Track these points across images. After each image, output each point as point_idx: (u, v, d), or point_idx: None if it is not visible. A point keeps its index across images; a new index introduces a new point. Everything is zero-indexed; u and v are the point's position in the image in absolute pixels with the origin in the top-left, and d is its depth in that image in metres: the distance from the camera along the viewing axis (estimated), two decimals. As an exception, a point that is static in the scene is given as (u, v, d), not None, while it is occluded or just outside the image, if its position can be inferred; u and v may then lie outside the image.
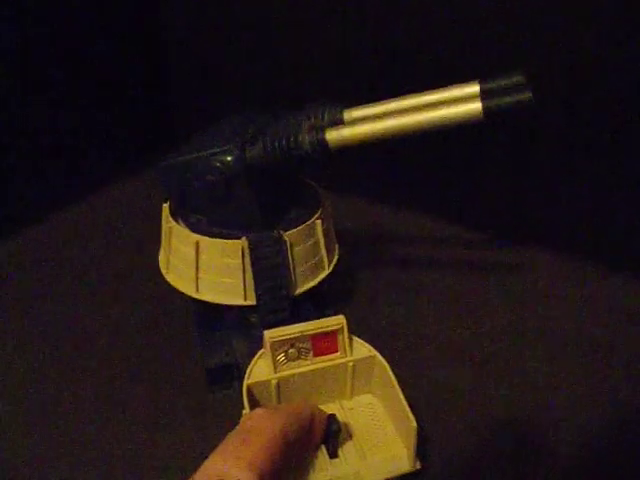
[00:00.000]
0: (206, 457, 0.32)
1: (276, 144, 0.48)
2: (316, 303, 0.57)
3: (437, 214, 0.79)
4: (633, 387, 0.54)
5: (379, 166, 0.80)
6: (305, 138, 0.47)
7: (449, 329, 0.61)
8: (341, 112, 0.50)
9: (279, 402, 0.45)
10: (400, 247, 0.75)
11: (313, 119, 0.50)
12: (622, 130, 0.64)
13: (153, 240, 0.58)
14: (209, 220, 0.52)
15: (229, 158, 0.49)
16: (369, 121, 0.46)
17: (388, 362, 0.45)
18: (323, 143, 0.46)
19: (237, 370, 0.53)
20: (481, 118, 0.43)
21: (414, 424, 0.41)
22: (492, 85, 0.47)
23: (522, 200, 0.74)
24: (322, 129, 0.47)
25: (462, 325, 0.62)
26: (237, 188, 0.49)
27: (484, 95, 0.43)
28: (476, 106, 0.43)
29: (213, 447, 0.33)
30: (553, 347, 0.59)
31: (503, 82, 0.47)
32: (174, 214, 0.54)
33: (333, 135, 0.46)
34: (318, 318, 0.53)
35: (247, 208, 0.50)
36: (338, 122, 0.49)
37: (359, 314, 0.62)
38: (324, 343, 0.45)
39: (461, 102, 0.43)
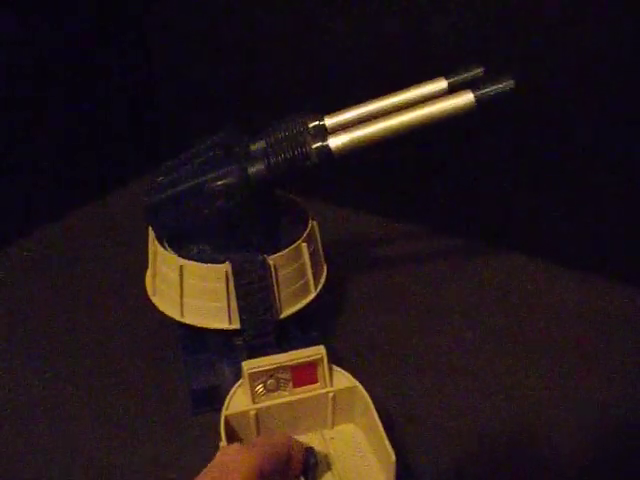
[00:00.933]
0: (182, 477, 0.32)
1: (280, 158, 0.48)
2: (302, 324, 0.56)
3: (421, 222, 0.79)
4: (620, 392, 0.54)
5: (362, 174, 0.80)
6: (312, 149, 0.48)
7: (433, 338, 0.61)
8: (322, 118, 0.52)
9: (258, 433, 0.45)
10: (384, 256, 0.75)
11: (302, 129, 0.50)
12: (613, 138, 0.64)
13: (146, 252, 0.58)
14: (196, 245, 0.52)
15: (233, 180, 0.48)
16: (369, 124, 0.48)
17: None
18: (328, 152, 0.48)
19: (221, 392, 0.52)
20: (474, 107, 0.46)
21: (393, 459, 0.41)
22: (458, 79, 0.52)
23: (509, 208, 0.73)
24: (325, 138, 0.48)
25: (447, 333, 0.62)
26: (241, 210, 0.50)
27: (453, 89, 0.49)
28: (468, 97, 0.46)
29: (189, 469, 0.33)
30: (539, 354, 0.59)
31: (466, 75, 0.52)
32: (159, 237, 0.54)
33: (337, 143, 0.48)
34: (303, 340, 0.54)
35: (247, 229, 0.51)
36: (321, 129, 0.51)
37: (344, 323, 0.62)
38: (304, 374, 0.45)
39: (452, 96, 0.47)
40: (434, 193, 0.77)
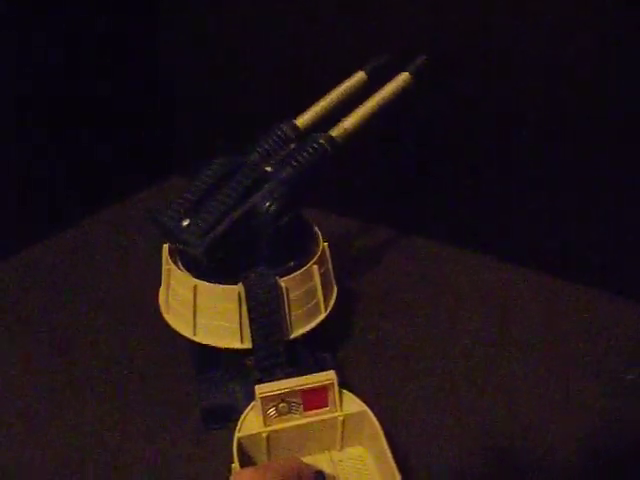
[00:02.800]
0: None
1: (301, 158, 0.53)
2: (311, 343, 0.57)
3: (420, 233, 0.81)
4: (610, 397, 0.56)
5: (365, 185, 0.82)
6: (323, 142, 0.53)
7: (431, 344, 0.63)
8: (295, 120, 0.57)
9: (269, 454, 0.46)
10: (382, 265, 0.76)
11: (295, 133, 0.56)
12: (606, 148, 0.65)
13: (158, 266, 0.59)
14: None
15: (284, 195, 0.51)
16: (350, 115, 0.56)
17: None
18: (334, 141, 0.54)
19: (232, 411, 0.53)
20: (413, 82, 0.58)
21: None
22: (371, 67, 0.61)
23: (505, 217, 0.75)
24: (322, 135, 0.54)
25: (444, 340, 0.64)
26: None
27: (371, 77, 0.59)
28: (404, 75, 0.58)
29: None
30: (533, 360, 0.61)
31: (377, 64, 0.61)
32: (173, 255, 0.55)
33: (336, 132, 0.54)
34: (313, 360, 0.55)
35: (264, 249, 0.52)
36: (296, 130, 0.56)
37: (345, 332, 0.64)
38: (314, 398, 0.46)
39: (393, 80, 0.58)
40: (433, 202, 0.79)
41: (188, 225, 0.50)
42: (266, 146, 0.55)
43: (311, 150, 0.53)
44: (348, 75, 0.60)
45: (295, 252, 0.55)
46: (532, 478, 0.50)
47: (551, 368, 0.60)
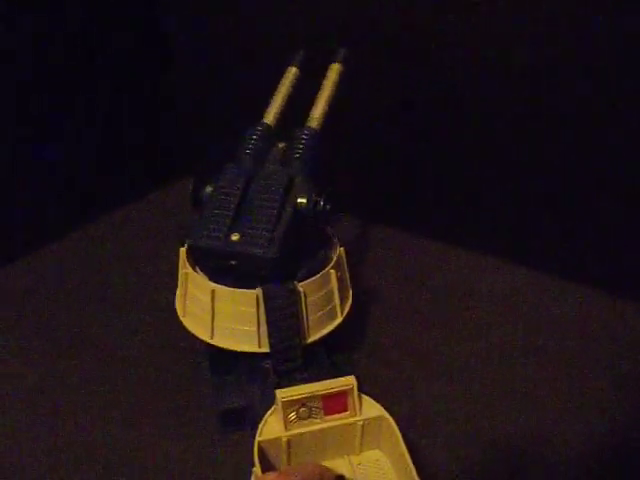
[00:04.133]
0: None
1: (303, 151, 0.55)
2: (327, 347, 0.57)
3: (428, 233, 0.81)
4: (621, 402, 0.56)
5: (377, 186, 0.82)
6: (309, 132, 0.56)
7: (443, 347, 0.63)
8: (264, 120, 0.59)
9: (289, 458, 0.46)
10: (391, 266, 0.77)
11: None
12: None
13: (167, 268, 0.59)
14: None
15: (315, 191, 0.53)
16: (318, 104, 0.58)
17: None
18: (315, 131, 0.56)
19: (249, 414, 0.54)
20: (345, 69, 0.61)
21: (420, 488, 0.42)
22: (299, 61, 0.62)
23: (517, 218, 0.75)
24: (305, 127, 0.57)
25: (456, 343, 0.64)
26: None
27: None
28: (337, 66, 0.61)
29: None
30: (545, 363, 0.61)
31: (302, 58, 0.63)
32: (189, 259, 0.55)
33: (313, 122, 0.57)
34: (330, 363, 0.55)
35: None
36: (270, 129, 0.58)
37: (360, 336, 0.65)
38: (335, 403, 0.46)
39: (328, 72, 0.60)
40: (450, 205, 0.79)
41: (241, 238, 0.50)
42: (254, 147, 0.56)
43: (306, 141, 0.55)
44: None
45: (311, 256, 0.55)
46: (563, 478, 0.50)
47: (569, 371, 0.60)
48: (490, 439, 0.53)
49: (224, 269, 0.52)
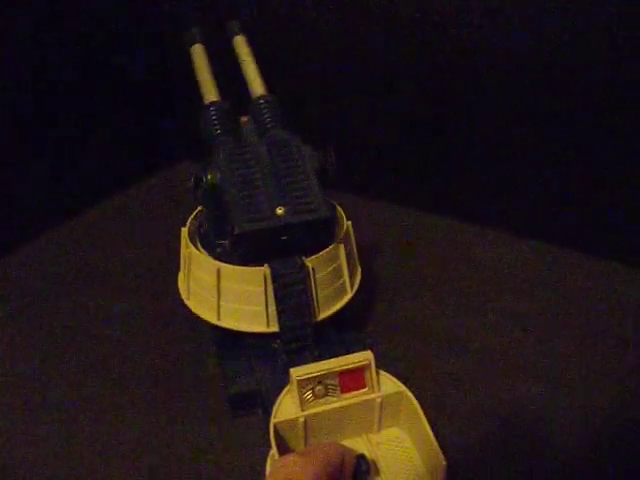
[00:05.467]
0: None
1: (276, 117, 0.55)
2: (337, 324, 0.56)
3: (436, 210, 0.79)
4: (630, 375, 0.55)
5: (383, 163, 0.81)
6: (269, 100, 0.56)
7: (452, 321, 0.62)
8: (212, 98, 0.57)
9: (306, 439, 0.44)
10: (402, 245, 0.75)
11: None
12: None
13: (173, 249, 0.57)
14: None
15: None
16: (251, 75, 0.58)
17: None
18: (266, 98, 0.56)
19: (260, 396, 0.52)
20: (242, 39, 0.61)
21: (444, 462, 0.41)
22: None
23: (526, 195, 0.74)
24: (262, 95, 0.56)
25: (465, 317, 0.63)
26: None
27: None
28: (241, 38, 0.61)
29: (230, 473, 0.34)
30: (554, 339, 0.60)
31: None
32: (193, 239, 0.53)
33: (260, 90, 0.57)
34: (340, 341, 0.54)
35: None
36: (225, 104, 0.56)
37: (369, 313, 0.63)
38: (352, 379, 0.44)
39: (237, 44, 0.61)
40: (457, 180, 0.78)
41: (287, 210, 0.48)
42: (226, 127, 0.54)
43: (269, 109, 0.55)
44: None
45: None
46: (572, 452, 0.49)
47: (578, 343, 0.59)
48: (501, 413, 0.52)
49: (270, 249, 0.49)
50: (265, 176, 0.50)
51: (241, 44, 0.60)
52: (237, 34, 0.61)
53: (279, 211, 0.48)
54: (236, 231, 0.47)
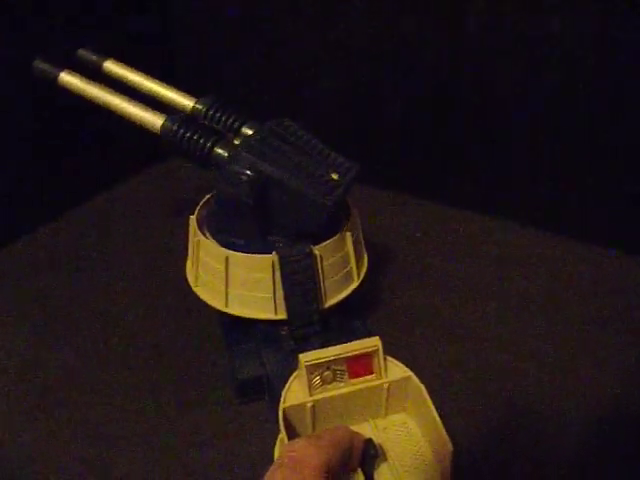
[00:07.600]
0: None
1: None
2: (344, 312, 0.56)
3: (440, 200, 0.80)
4: (635, 362, 0.56)
5: (389, 152, 0.81)
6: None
7: (456, 309, 0.63)
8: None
9: (314, 424, 0.45)
10: (406, 234, 0.76)
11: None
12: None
13: (175, 239, 0.58)
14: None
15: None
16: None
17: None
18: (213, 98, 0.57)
19: (267, 382, 0.53)
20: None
21: (451, 448, 0.41)
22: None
23: (527, 184, 0.74)
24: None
25: (469, 305, 0.64)
26: None
27: None
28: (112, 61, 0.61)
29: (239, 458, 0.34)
30: (558, 326, 0.60)
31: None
32: (201, 227, 0.53)
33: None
34: (346, 329, 0.54)
35: None
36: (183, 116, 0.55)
37: (373, 300, 0.64)
38: (360, 365, 0.45)
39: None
40: (464, 170, 0.78)
41: (341, 177, 0.50)
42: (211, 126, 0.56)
43: (225, 109, 0.56)
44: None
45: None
46: (577, 435, 0.50)
47: (580, 329, 0.60)
48: (506, 398, 0.53)
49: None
50: (297, 154, 0.50)
51: (117, 67, 0.61)
52: (103, 59, 0.62)
53: (334, 176, 0.49)
54: (329, 202, 0.48)
